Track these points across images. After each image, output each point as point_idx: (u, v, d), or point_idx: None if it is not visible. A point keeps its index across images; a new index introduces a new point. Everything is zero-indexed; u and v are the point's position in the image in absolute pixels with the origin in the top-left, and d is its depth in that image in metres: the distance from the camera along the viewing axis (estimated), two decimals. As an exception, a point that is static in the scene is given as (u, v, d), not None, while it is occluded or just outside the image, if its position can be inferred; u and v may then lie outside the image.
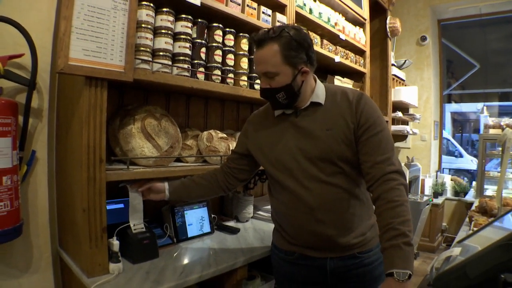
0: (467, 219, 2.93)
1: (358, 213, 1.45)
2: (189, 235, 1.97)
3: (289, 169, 1.43)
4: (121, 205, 1.83)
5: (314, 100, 1.44)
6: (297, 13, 2.43)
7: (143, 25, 1.61)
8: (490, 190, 4.56)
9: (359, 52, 3.38)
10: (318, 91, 1.45)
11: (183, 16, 1.78)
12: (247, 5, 2.07)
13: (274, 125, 1.52)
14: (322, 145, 1.38)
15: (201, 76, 1.86)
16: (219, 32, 1.95)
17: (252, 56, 2.15)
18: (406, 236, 1.18)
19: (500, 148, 3.43)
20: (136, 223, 1.65)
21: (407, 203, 1.26)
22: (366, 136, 1.35)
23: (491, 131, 4.31)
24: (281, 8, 2.34)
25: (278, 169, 1.46)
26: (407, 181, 4.03)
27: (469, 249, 1.68)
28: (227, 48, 2.00)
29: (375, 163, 1.31)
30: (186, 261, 1.68)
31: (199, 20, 1.86)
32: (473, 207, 3.31)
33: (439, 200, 4.90)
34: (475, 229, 2.30)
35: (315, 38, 2.69)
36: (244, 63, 2.09)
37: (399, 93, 4.27)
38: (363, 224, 1.47)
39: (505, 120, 4.50)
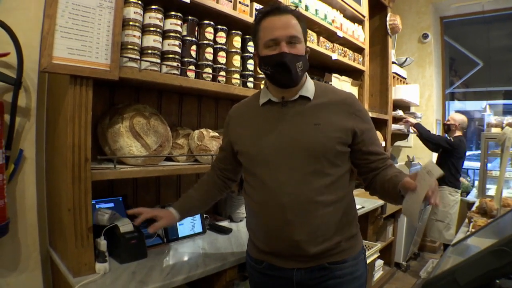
0: (466, 220, 2.88)
1: (334, 222, 1.35)
2: (180, 235, 1.95)
3: (267, 162, 1.35)
4: (111, 204, 1.82)
5: (303, 93, 1.38)
6: (291, 11, 2.40)
7: (130, 23, 1.59)
8: (492, 190, 4.50)
9: (358, 49, 3.35)
10: (308, 85, 1.40)
11: (173, 13, 1.76)
12: (239, 2, 2.04)
13: (257, 115, 1.44)
14: (307, 139, 1.31)
15: (191, 74, 1.84)
16: (210, 29, 1.93)
17: (247, 54, 2.14)
18: None
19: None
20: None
21: None
22: (372, 139, 1.42)
23: (493, 129, 4.25)
24: (275, 5, 2.30)
25: (257, 161, 1.38)
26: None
27: (465, 251, 1.65)
28: (218, 46, 1.98)
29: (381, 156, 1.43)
30: (174, 261, 1.67)
31: (190, 17, 1.84)
32: (473, 208, 3.27)
33: (441, 200, 4.86)
34: (473, 230, 2.26)
35: (311, 35, 2.66)
36: (237, 60, 2.07)
37: (399, 91, 4.23)
38: (340, 234, 1.37)
39: (508, 119, 4.43)
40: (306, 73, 1.43)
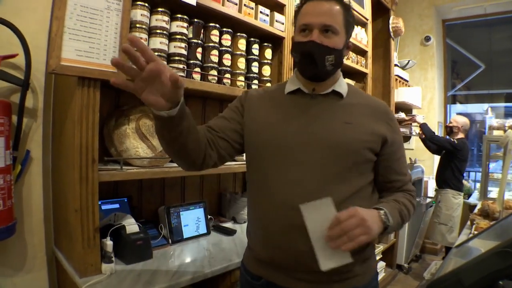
0: (468, 223, 2.89)
1: None
2: (185, 236, 1.96)
3: (282, 155, 1.16)
4: (116, 205, 1.83)
5: (337, 89, 1.23)
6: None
7: (137, 25, 1.61)
8: (494, 192, 4.50)
9: (361, 52, 3.35)
10: (342, 82, 1.27)
11: (179, 16, 1.77)
12: (244, 5, 2.05)
13: (281, 103, 1.26)
14: (335, 137, 1.15)
15: (197, 76, 1.85)
16: (216, 32, 1.94)
17: (251, 57, 2.16)
18: (405, 216, 1.19)
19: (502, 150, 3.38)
20: None
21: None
22: (399, 155, 1.27)
23: (495, 132, 4.26)
24: (280, 8, 2.32)
25: (270, 152, 1.19)
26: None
27: (467, 254, 1.66)
28: (224, 48, 1.99)
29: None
30: (179, 262, 1.67)
31: (195, 20, 1.85)
32: (476, 210, 3.28)
33: (443, 202, 4.85)
34: (475, 232, 2.27)
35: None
36: (242, 63, 2.09)
37: (402, 94, 4.23)
38: (352, 254, 1.05)
39: (510, 121, 4.44)
40: (340, 71, 1.29)
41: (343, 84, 1.26)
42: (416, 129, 4.29)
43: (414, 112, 4.74)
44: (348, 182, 1.15)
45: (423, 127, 4.13)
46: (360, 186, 1.18)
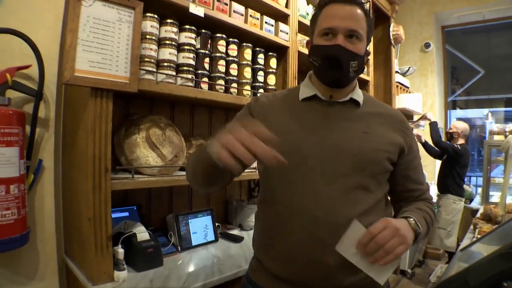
0: (471, 227, 2.92)
1: None
2: (193, 243, 1.98)
3: (303, 165, 1.11)
4: (126, 214, 1.86)
5: (354, 97, 1.19)
6: (299, 23, 2.45)
7: (147, 36, 1.64)
8: (496, 196, 4.53)
9: (363, 60, 3.39)
10: (358, 90, 1.24)
11: (187, 27, 1.81)
12: (250, 16, 2.09)
13: (296, 110, 1.21)
14: (355, 147, 1.12)
15: (205, 86, 1.88)
16: (223, 42, 1.98)
17: (257, 66, 2.19)
18: (430, 223, 1.17)
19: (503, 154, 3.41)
20: None
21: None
22: (415, 163, 1.26)
23: (496, 137, 4.30)
24: (284, 18, 2.36)
25: (289, 163, 1.07)
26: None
27: (471, 257, 1.68)
28: (230, 58, 2.03)
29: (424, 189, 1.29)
30: (190, 269, 1.70)
31: (203, 30, 1.89)
32: (478, 214, 3.30)
33: (445, 207, 4.87)
34: (478, 236, 2.30)
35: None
36: (248, 72, 2.12)
37: (403, 100, 4.27)
38: None
39: (510, 126, 4.48)
40: (357, 79, 1.26)
41: (359, 92, 1.24)
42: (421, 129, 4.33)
43: (415, 118, 4.78)
44: (368, 193, 1.12)
45: (433, 126, 4.17)
46: (378, 197, 1.16)
